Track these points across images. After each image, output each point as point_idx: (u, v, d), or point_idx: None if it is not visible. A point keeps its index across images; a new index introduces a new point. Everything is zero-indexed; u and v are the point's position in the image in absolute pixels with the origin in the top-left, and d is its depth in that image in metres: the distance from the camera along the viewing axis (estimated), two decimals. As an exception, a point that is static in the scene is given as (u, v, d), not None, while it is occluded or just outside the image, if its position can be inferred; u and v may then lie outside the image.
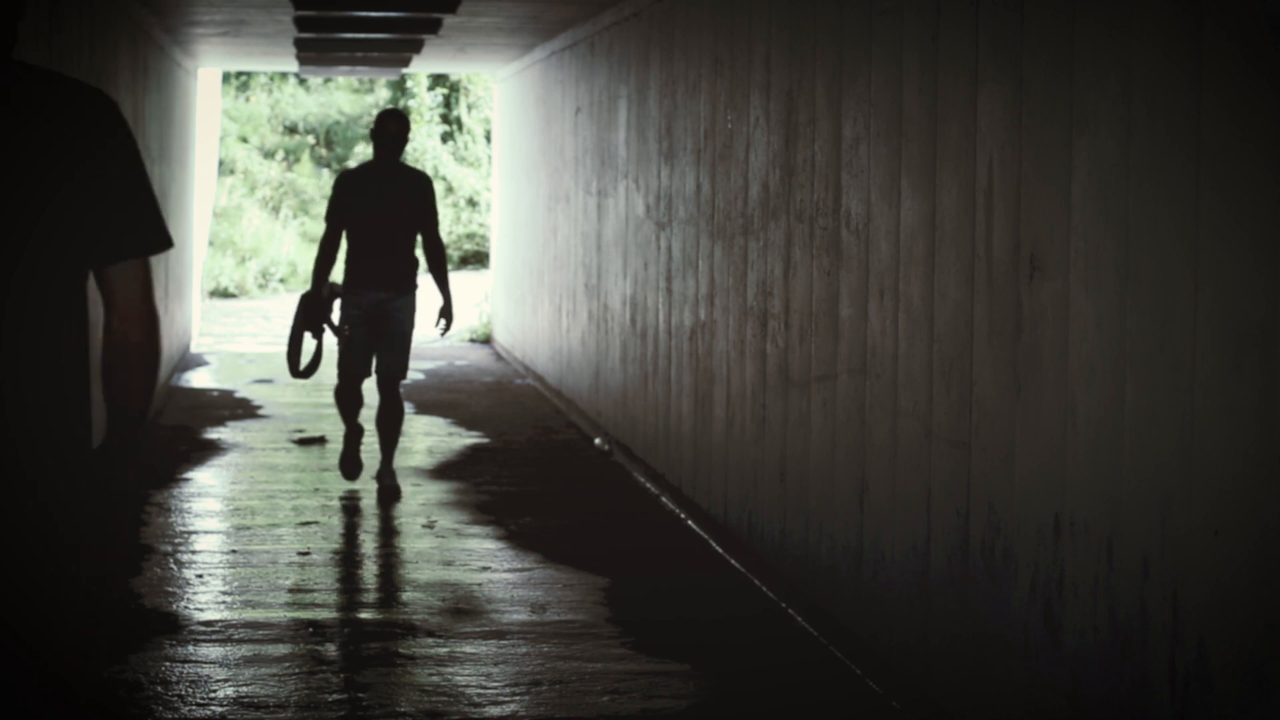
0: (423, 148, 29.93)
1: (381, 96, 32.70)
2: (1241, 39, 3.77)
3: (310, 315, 9.35)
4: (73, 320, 3.14)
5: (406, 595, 7.52)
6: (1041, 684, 4.72)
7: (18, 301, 3.03)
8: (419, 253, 9.91)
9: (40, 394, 3.08)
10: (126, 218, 3.16)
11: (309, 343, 14.44)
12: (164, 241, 3.22)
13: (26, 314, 3.05)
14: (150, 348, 3.23)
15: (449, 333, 9.93)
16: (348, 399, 9.69)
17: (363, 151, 32.36)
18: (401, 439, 8.23)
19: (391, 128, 9.39)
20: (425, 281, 10.43)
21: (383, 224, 9.39)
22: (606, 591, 7.47)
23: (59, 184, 3.07)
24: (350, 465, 9.81)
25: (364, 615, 7.01)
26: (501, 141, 19.32)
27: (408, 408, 12.81)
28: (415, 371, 15.49)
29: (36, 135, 3.07)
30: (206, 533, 8.68)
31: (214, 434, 12.06)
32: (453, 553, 8.18)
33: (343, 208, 9.40)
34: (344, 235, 9.45)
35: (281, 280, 26.98)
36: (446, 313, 9.76)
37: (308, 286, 28.14)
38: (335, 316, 9.76)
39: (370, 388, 9.97)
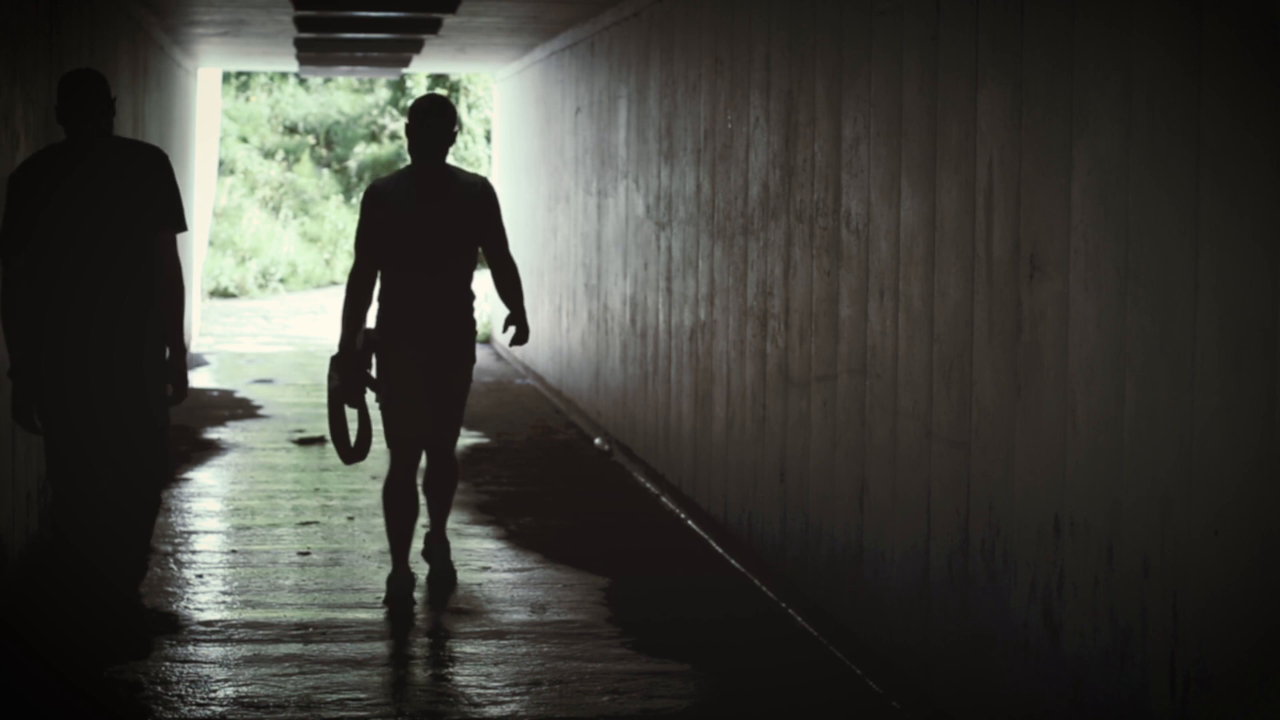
0: (423, 148, 29.87)
1: (382, 96, 32.70)
2: (1242, 38, 3.76)
3: (346, 379, 7.12)
4: (146, 264, 6.34)
5: (406, 595, 7.52)
6: (1041, 684, 4.72)
7: (119, 254, 6.29)
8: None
9: (131, 298, 6.32)
10: (164, 213, 6.38)
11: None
12: (181, 226, 6.42)
13: (123, 259, 6.30)
14: (176, 279, 6.40)
15: (521, 345, 7.51)
16: (399, 499, 7.25)
17: (363, 152, 32.32)
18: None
19: (435, 120, 7.06)
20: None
21: (430, 250, 7.11)
22: (606, 591, 7.47)
23: (135, 200, 6.33)
24: (400, 601, 7.20)
25: (364, 615, 7.01)
26: (501, 141, 19.32)
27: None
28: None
29: (124, 177, 6.34)
30: (206, 533, 8.68)
31: (214, 434, 12.06)
32: (453, 553, 8.17)
33: (376, 231, 7.10)
34: (379, 267, 7.19)
35: (281, 280, 26.98)
36: (518, 320, 7.28)
37: (309, 287, 28.04)
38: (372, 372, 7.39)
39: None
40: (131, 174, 6.34)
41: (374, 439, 7.32)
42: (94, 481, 6.44)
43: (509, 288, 7.30)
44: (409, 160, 7.14)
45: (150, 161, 6.40)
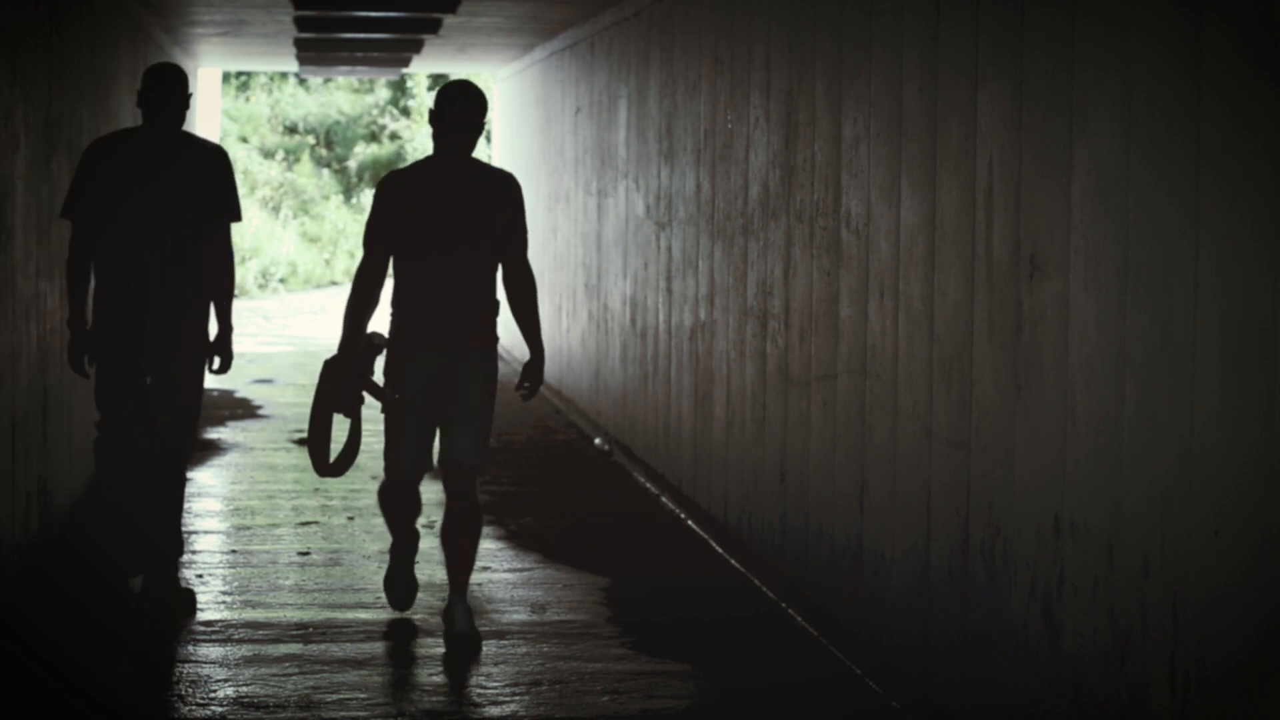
0: (423, 148, 29.92)
1: (382, 96, 32.68)
2: (1242, 38, 3.76)
3: (342, 385, 6.52)
4: (199, 249, 6.94)
5: (406, 595, 7.51)
6: (1041, 684, 4.72)
7: (185, 244, 6.91)
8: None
9: (191, 285, 6.93)
10: (222, 205, 6.98)
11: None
12: (237, 216, 7.06)
13: (186, 250, 6.91)
14: (229, 265, 7.04)
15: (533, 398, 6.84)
16: (398, 503, 6.81)
17: (363, 152, 32.31)
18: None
19: (464, 109, 6.40)
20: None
21: (450, 248, 6.46)
22: (606, 591, 7.47)
23: (197, 192, 6.93)
24: (399, 589, 6.99)
25: (364, 615, 7.01)
26: (501, 141, 19.32)
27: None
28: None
29: (192, 169, 6.96)
30: (206, 533, 8.68)
31: (214, 434, 12.06)
32: (453, 553, 8.16)
33: (390, 225, 6.48)
34: (391, 265, 6.60)
35: (281, 280, 26.98)
36: (534, 371, 6.62)
37: (309, 287, 27.97)
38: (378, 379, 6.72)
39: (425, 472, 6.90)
40: (197, 166, 6.97)
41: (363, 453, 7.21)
42: (129, 437, 7.02)
43: (525, 308, 6.62)
44: (412, 160, 7.15)
45: (215, 157, 7.02)
